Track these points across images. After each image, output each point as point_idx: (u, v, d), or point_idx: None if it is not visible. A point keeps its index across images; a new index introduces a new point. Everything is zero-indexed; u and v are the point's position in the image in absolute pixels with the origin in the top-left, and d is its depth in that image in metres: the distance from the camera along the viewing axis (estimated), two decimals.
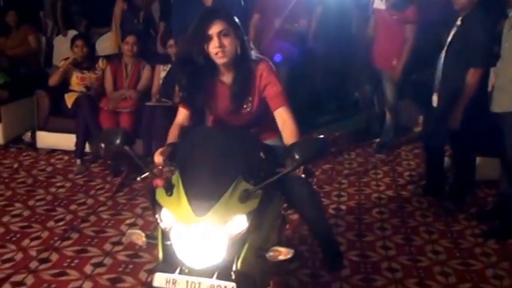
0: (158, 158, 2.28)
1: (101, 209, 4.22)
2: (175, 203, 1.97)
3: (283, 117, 2.46)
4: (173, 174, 2.12)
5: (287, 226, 3.05)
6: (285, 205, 2.77)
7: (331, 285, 3.21)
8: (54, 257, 3.47)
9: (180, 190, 1.99)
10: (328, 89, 6.90)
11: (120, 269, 3.34)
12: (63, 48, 6.27)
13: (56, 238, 3.71)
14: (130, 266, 3.37)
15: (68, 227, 3.88)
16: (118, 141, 2.20)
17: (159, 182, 2.03)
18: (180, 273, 1.94)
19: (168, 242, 2.01)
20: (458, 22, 3.97)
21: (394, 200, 4.55)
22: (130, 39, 5.28)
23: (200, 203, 1.93)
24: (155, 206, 2.04)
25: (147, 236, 2.13)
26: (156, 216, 2.03)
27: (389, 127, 5.75)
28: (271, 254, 2.07)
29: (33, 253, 3.50)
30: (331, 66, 6.61)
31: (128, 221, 3.99)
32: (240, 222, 1.96)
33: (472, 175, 4.35)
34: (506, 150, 3.79)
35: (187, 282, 1.91)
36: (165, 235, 2.04)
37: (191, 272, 1.94)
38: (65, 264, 3.38)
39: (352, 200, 4.53)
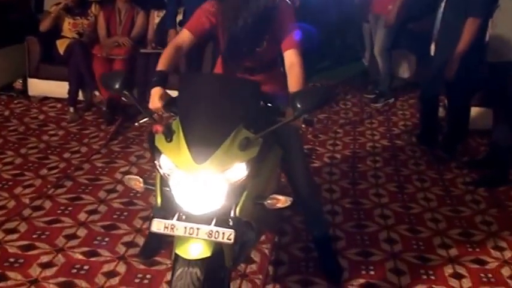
0: (155, 103, 2.23)
1: (94, 157, 4.21)
2: (175, 150, 1.96)
3: (292, 60, 2.42)
4: (173, 120, 2.09)
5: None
6: None
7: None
8: (48, 204, 3.47)
9: (180, 137, 1.97)
10: (327, 38, 6.83)
11: (115, 216, 3.35)
12: None
13: (49, 186, 3.71)
14: (125, 213, 3.39)
15: (62, 175, 3.88)
16: (117, 85, 2.16)
17: (158, 127, 2.01)
18: (178, 219, 1.95)
19: (167, 188, 2.00)
20: None
21: (388, 149, 4.56)
22: None
23: (200, 150, 1.92)
24: (154, 152, 2.02)
25: (145, 182, 2.12)
26: (155, 162, 2.01)
27: (385, 76, 5.72)
28: (269, 201, 2.07)
29: (26, 201, 3.50)
30: (330, 16, 6.54)
31: (122, 169, 3.99)
32: (239, 170, 1.95)
33: (465, 125, 4.35)
34: (499, 98, 3.78)
35: (185, 227, 1.91)
36: (163, 181, 2.04)
37: (189, 218, 1.94)
38: (59, 211, 3.39)
39: (347, 149, 4.54)
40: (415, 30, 5.76)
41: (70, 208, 3.43)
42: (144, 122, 2.26)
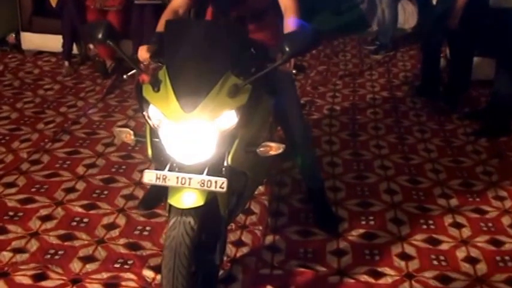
0: (143, 54, 2.18)
1: (91, 111, 4.16)
2: (163, 99, 1.90)
3: (286, 4, 2.37)
4: (160, 69, 2.03)
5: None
6: None
7: (325, 182, 3.22)
8: (45, 158, 3.45)
9: (167, 86, 1.91)
10: None
11: (113, 170, 3.34)
12: None
13: (46, 140, 3.68)
14: (124, 167, 3.37)
15: (58, 129, 3.84)
16: (100, 35, 2.09)
17: (145, 77, 1.96)
18: (170, 169, 1.92)
19: (157, 139, 1.97)
20: None
21: (388, 100, 4.52)
22: None
23: (188, 98, 1.87)
24: (142, 103, 1.97)
25: (135, 134, 2.08)
26: (144, 113, 1.97)
27: (388, 27, 5.61)
28: (261, 149, 2.04)
29: (23, 155, 3.47)
30: None
31: (119, 123, 3.95)
32: (229, 118, 1.91)
33: (468, 75, 4.29)
34: (502, 47, 3.72)
35: (177, 178, 1.88)
36: (153, 132, 1.99)
37: (181, 169, 1.92)
38: (57, 165, 3.37)
39: (347, 100, 4.49)
40: None
41: (68, 162, 3.41)
42: (132, 74, 2.20)
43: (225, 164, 1.96)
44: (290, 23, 2.32)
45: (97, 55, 4.94)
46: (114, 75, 4.72)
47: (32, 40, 5.24)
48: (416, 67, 5.19)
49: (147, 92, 1.96)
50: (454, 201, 3.09)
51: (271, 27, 2.55)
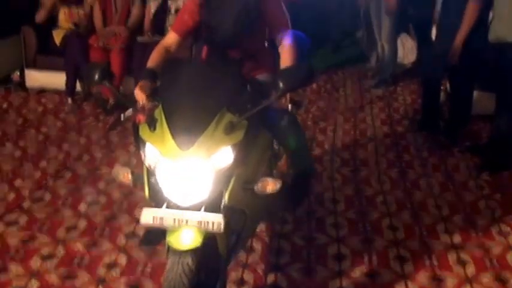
0: (139, 94, 2.21)
1: (93, 147, 4.18)
2: (159, 138, 1.92)
3: (283, 42, 2.43)
4: (156, 108, 2.05)
5: (282, 161, 3.03)
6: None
7: (326, 219, 3.22)
8: (47, 196, 3.45)
9: (163, 124, 1.92)
10: (326, 28, 6.80)
11: (115, 207, 3.33)
12: None
13: (48, 177, 3.69)
14: (125, 204, 3.36)
15: (61, 167, 3.85)
16: (97, 77, 2.13)
17: (141, 117, 1.98)
18: (167, 209, 1.92)
19: (154, 179, 1.97)
20: None
21: (389, 135, 4.53)
22: None
23: (184, 136, 1.88)
24: (139, 142, 1.98)
25: (133, 174, 2.09)
26: (141, 152, 1.98)
27: (388, 62, 5.65)
28: (259, 186, 2.04)
29: (25, 193, 3.48)
30: (331, 5, 6.51)
31: (121, 159, 3.96)
32: (225, 155, 1.92)
33: (468, 110, 4.31)
34: (504, 81, 3.74)
35: (174, 218, 1.88)
36: (150, 171, 1.99)
37: (178, 208, 1.92)
38: (59, 202, 3.37)
39: (348, 135, 4.50)
40: (415, 15, 5.69)
41: (70, 199, 3.41)
42: (130, 113, 2.23)
43: (223, 202, 1.96)
44: (288, 62, 2.35)
45: (100, 92, 4.99)
46: (116, 112, 4.75)
47: (36, 78, 5.30)
48: (417, 102, 5.22)
49: (144, 131, 1.97)
50: (457, 238, 3.06)
51: (267, 64, 2.59)
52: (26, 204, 3.35)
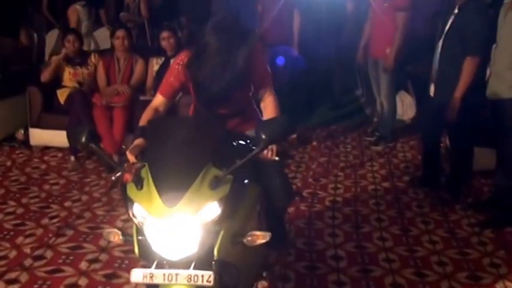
0: (129, 154, 2.24)
1: (95, 205, 4.19)
2: (146, 197, 1.93)
3: (265, 98, 2.55)
4: (142, 168, 2.07)
5: None
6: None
7: (328, 277, 3.19)
8: (49, 254, 3.44)
9: (149, 183, 1.94)
10: (326, 85, 6.94)
11: (116, 265, 3.31)
12: (56, 44, 6.23)
13: (50, 235, 3.68)
14: (126, 262, 3.34)
15: (63, 224, 3.85)
16: (83, 139, 2.16)
17: (127, 176, 2.00)
18: (157, 266, 1.92)
19: (143, 237, 1.98)
20: (456, 11, 3.94)
21: (390, 191, 4.54)
22: (120, 33, 5.23)
23: (170, 193, 1.90)
24: (127, 202, 2.00)
25: (123, 234, 2.10)
26: (129, 211, 1.99)
27: (387, 119, 5.71)
28: (248, 239, 2.05)
29: (27, 250, 3.47)
30: (331, 63, 6.65)
31: (122, 217, 3.96)
32: (212, 210, 1.93)
33: (469, 166, 4.33)
34: (502, 137, 3.78)
35: (164, 275, 1.89)
36: (139, 230, 2.01)
37: (169, 265, 1.92)
38: (60, 261, 3.35)
39: (349, 192, 4.52)
40: (413, 72, 5.81)
41: (71, 257, 3.40)
42: (120, 174, 2.25)
43: (215, 258, 1.97)
44: (268, 110, 2.51)
45: (103, 149, 5.03)
46: (116, 171, 4.76)
47: (40, 136, 5.36)
48: (417, 158, 5.26)
49: (131, 190, 1.99)
50: None
51: (254, 120, 2.64)
52: (27, 262, 3.33)
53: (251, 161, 2.06)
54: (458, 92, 3.89)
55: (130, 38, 5.33)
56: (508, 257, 3.46)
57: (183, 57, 2.54)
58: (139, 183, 1.97)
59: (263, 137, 2.03)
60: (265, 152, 2.32)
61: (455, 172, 4.36)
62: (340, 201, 4.32)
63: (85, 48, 5.82)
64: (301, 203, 4.21)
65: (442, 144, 4.62)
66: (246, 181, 2.20)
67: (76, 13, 6.33)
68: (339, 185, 4.65)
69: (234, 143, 2.29)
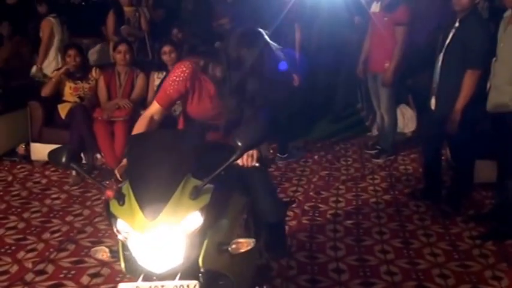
0: (117, 174, 2.26)
1: (97, 219, 4.19)
2: (128, 212, 1.95)
3: None
4: (124, 184, 2.08)
5: None
6: None
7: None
8: (50, 268, 3.43)
9: (131, 198, 1.96)
10: (328, 99, 6.97)
11: (118, 279, 3.30)
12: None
13: (51, 250, 3.68)
14: (128, 276, 3.30)
15: (64, 238, 3.85)
16: (64, 159, 2.16)
17: (109, 193, 2.00)
18: (143, 279, 1.93)
19: (128, 252, 1.99)
20: (456, 24, 3.97)
21: (391, 204, 4.54)
22: (122, 47, 5.26)
23: (151, 206, 1.91)
24: (111, 218, 2.01)
25: (111, 251, 2.11)
26: (113, 227, 2.00)
27: (387, 132, 5.71)
28: (233, 246, 2.06)
29: (28, 265, 3.46)
30: (332, 77, 6.68)
31: None
32: (194, 219, 1.94)
33: (470, 178, 4.34)
34: (502, 150, 3.79)
35: (150, 285, 1.90)
36: (124, 245, 2.02)
37: (155, 277, 1.93)
38: (61, 275, 3.35)
39: (350, 205, 4.52)
40: (414, 85, 5.83)
41: (73, 272, 3.39)
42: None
43: (202, 269, 1.98)
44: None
45: (104, 164, 5.05)
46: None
47: (41, 150, 5.35)
48: (418, 170, 5.27)
49: (114, 207, 2.00)
50: None
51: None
52: (29, 277, 3.32)
53: (236, 170, 2.08)
54: (459, 104, 3.90)
55: (131, 52, 5.37)
56: (510, 269, 3.45)
57: (184, 68, 2.48)
58: (121, 199, 1.98)
59: (239, 144, 2.05)
60: (245, 158, 2.34)
61: (456, 184, 4.37)
62: (341, 214, 4.32)
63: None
64: (303, 216, 4.21)
65: (443, 157, 4.63)
66: (229, 190, 2.22)
67: (50, 26, 6.23)
68: (340, 198, 4.65)
69: (212, 153, 2.30)
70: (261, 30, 2.46)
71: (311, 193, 4.76)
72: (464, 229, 4.02)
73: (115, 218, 1.98)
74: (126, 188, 2.02)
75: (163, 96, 2.55)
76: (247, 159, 2.36)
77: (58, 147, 2.28)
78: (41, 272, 3.38)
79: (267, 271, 2.95)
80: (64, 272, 3.39)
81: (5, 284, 3.23)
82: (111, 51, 5.78)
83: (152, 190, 1.95)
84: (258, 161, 2.32)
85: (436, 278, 3.35)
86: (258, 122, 2.33)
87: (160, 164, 2.04)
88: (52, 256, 3.59)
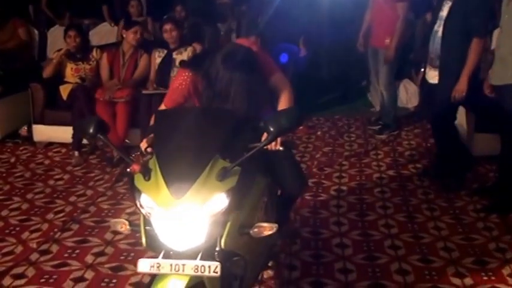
0: (143, 145, 2.25)
1: (100, 199, 4.20)
2: (154, 188, 1.94)
3: (277, 85, 2.55)
4: (150, 158, 2.07)
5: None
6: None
7: (334, 264, 3.19)
8: (55, 248, 3.45)
9: (157, 174, 1.95)
10: (334, 76, 6.93)
11: (122, 258, 3.32)
12: (57, 40, 6.22)
13: (55, 230, 3.69)
14: (132, 254, 3.35)
15: (68, 218, 3.86)
16: (91, 130, 2.16)
17: (135, 167, 1.99)
18: (164, 257, 1.93)
19: (150, 227, 1.99)
20: None
21: (395, 179, 4.53)
22: (136, 28, 5.23)
23: (178, 185, 1.90)
24: (134, 192, 2.00)
25: (130, 224, 2.11)
26: (136, 202, 2.00)
27: (389, 108, 5.70)
28: (255, 230, 2.06)
29: (33, 245, 3.48)
30: (337, 53, 6.63)
31: (128, 210, 3.97)
32: (219, 201, 1.93)
33: (458, 147, 4.28)
34: (505, 123, 3.76)
35: (171, 265, 1.89)
36: (147, 221, 2.01)
37: (175, 255, 1.93)
38: (66, 255, 3.36)
39: (353, 180, 4.51)
40: (415, 60, 5.78)
41: (77, 251, 3.40)
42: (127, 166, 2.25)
43: (218, 247, 1.97)
44: (282, 101, 2.52)
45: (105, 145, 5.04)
46: (122, 164, 4.78)
47: (43, 132, 5.37)
48: (422, 145, 5.25)
49: (139, 181, 1.99)
50: (468, 280, 3.02)
51: (266, 105, 2.60)
52: (34, 256, 3.34)
53: (259, 151, 2.05)
54: (467, 71, 3.88)
55: (143, 34, 5.36)
56: None
57: (184, 77, 2.52)
58: (147, 174, 1.97)
59: (271, 129, 2.03)
60: None
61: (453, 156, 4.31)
62: (345, 190, 4.31)
63: None
64: (306, 193, 4.20)
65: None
66: (253, 172, 2.20)
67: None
68: (344, 174, 4.64)
69: (243, 135, 2.28)
70: (249, 48, 2.44)
71: (314, 169, 4.75)
72: (468, 202, 4.01)
73: (139, 192, 1.97)
74: (152, 163, 2.01)
75: (171, 101, 2.56)
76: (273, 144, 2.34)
77: (86, 119, 2.29)
78: (46, 252, 3.39)
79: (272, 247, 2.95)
80: (68, 251, 3.40)
81: (10, 264, 3.25)
82: (120, 30, 5.76)
83: (179, 168, 1.94)
84: (282, 144, 2.30)
85: (440, 251, 3.34)
86: (291, 108, 2.33)
87: (189, 142, 2.03)
88: (56, 236, 3.60)
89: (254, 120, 2.23)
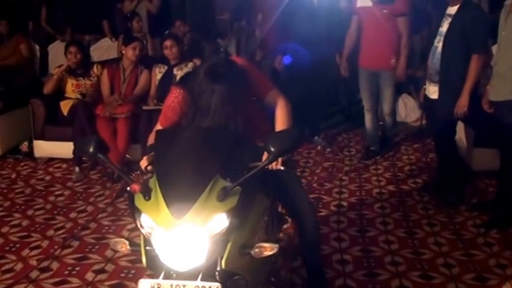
0: (143, 163, 2.25)
1: (101, 215, 4.20)
2: (154, 207, 1.94)
3: (274, 101, 2.53)
4: (151, 178, 2.07)
5: (288, 224, 3.03)
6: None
7: (335, 281, 3.19)
8: (55, 265, 3.44)
9: (157, 194, 1.95)
10: (329, 89, 6.92)
11: (122, 275, 3.32)
12: (58, 56, 6.25)
13: (56, 246, 3.69)
14: (133, 272, 3.35)
15: (68, 235, 3.86)
16: (91, 150, 2.16)
17: (135, 187, 2.00)
18: (164, 277, 1.93)
19: (151, 247, 1.99)
20: (451, 12, 3.95)
21: (395, 194, 4.53)
22: (135, 44, 5.24)
23: (178, 205, 1.90)
24: (134, 212, 2.01)
25: (130, 243, 2.11)
26: (136, 222, 2.00)
27: (389, 125, 5.63)
28: (256, 250, 2.06)
29: (33, 262, 3.47)
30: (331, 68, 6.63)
31: (128, 226, 3.96)
32: (220, 221, 1.93)
33: (458, 163, 4.29)
34: (505, 138, 3.77)
35: (171, 286, 1.90)
36: (147, 240, 2.02)
37: (176, 276, 1.93)
38: (66, 272, 3.36)
39: (353, 196, 4.51)
40: (414, 75, 5.80)
41: (77, 268, 3.40)
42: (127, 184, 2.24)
43: (219, 268, 1.97)
44: (282, 121, 2.48)
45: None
46: (123, 179, 4.78)
47: (44, 148, 5.37)
48: (421, 160, 5.26)
49: (139, 201, 2.00)
50: None
51: (261, 128, 2.60)
52: (34, 274, 3.33)
53: (259, 172, 2.06)
54: (467, 88, 3.90)
55: (143, 49, 5.39)
56: None
57: (176, 94, 2.48)
58: (147, 193, 1.97)
59: (272, 149, 2.03)
60: None
61: (455, 173, 4.32)
62: (345, 206, 4.31)
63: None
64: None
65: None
66: (254, 192, 2.20)
67: None
68: (344, 189, 4.64)
69: (245, 153, 2.27)
70: (230, 61, 2.41)
71: (314, 184, 4.76)
72: (468, 218, 4.01)
73: (139, 212, 1.98)
74: (153, 182, 2.01)
75: (165, 121, 2.56)
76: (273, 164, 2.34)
77: (86, 138, 2.30)
78: (46, 269, 3.39)
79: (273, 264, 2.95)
80: (69, 268, 3.40)
81: (10, 281, 3.24)
82: (120, 46, 5.79)
83: (180, 188, 1.94)
84: (283, 164, 2.31)
85: (441, 267, 3.34)
86: (291, 128, 2.33)
87: (190, 161, 2.03)
88: (56, 253, 3.60)
89: (240, 133, 2.23)
